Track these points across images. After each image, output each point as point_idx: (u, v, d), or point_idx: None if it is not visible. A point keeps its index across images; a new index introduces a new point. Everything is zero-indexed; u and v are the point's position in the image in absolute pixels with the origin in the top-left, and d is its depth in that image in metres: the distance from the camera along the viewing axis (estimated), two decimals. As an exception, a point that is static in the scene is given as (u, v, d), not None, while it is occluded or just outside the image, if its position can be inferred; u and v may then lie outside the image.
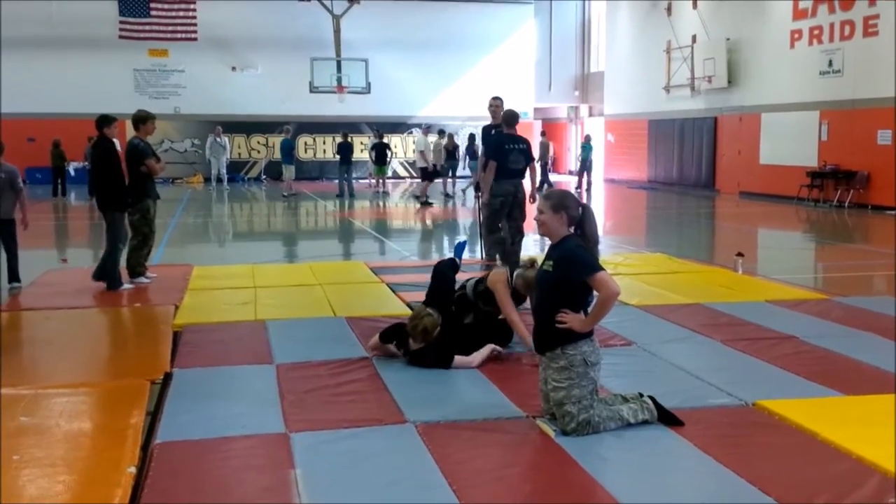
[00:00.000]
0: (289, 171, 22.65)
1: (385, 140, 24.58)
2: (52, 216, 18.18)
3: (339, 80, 26.86)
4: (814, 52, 19.78)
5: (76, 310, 7.56)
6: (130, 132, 9.14)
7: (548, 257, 4.44)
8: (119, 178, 8.45)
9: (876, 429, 4.37)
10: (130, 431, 4.37)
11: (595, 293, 4.27)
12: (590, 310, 4.31)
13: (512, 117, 9.26)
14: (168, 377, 5.40)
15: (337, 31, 27.10)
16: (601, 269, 4.25)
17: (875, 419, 4.54)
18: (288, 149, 22.84)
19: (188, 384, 5.23)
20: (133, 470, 3.87)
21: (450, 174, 23.77)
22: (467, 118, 28.99)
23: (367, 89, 26.95)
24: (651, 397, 4.53)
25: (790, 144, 20.63)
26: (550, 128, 32.32)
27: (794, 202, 19.87)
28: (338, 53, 27.08)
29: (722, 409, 4.73)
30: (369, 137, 26.45)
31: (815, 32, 19.76)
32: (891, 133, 17.67)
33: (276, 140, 25.47)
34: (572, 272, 4.26)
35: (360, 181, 27.89)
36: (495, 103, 9.90)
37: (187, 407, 4.76)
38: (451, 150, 23.66)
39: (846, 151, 18.86)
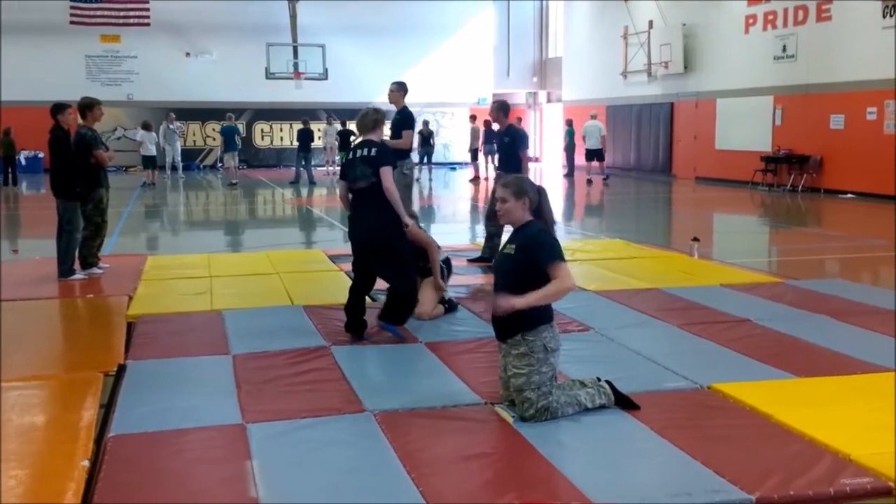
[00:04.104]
0: (232, 159, 22.39)
1: (349, 127, 24.48)
2: (2, 206, 17.81)
3: (295, 66, 26.58)
4: (768, 38, 20.00)
5: (28, 301, 7.41)
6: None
7: (510, 241, 4.43)
8: (70, 166, 8.29)
9: (828, 410, 4.45)
10: (84, 424, 4.30)
11: (551, 273, 4.25)
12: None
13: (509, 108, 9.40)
14: (122, 369, 5.33)
15: (293, 17, 26.82)
16: (564, 259, 4.26)
17: (827, 401, 4.62)
18: (230, 135, 22.50)
19: (142, 376, 5.16)
20: (86, 463, 3.82)
21: (425, 161, 23.84)
22: (426, 104, 28.90)
23: (325, 75, 26.72)
24: (608, 382, 4.57)
25: (745, 129, 20.88)
26: (518, 114, 32.32)
27: (748, 187, 20.12)
28: (294, 39, 26.80)
29: (678, 393, 4.78)
30: (328, 123, 26.23)
31: (770, 18, 19.98)
32: (843, 118, 17.94)
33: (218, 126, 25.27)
34: (536, 255, 4.25)
35: (318, 168, 27.71)
36: (391, 88, 9.85)
37: (142, 399, 4.70)
38: (427, 137, 23.68)
39: (800, 136, 19.12)
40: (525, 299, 4.15)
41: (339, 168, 25.80)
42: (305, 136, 22.56)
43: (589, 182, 22.45)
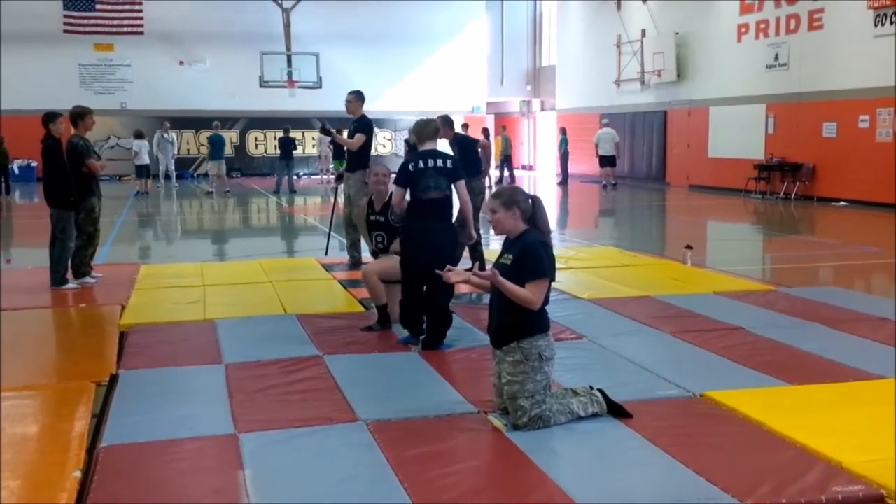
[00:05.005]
0: (219, 167, 22.34)
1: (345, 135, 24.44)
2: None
3: (289, 74, 26.58)
4: (760, 46, 20.08)
5: (20, 311, 7.38)
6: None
7: (506, 251, 4.43)
8: (63, 175, 8.29)
9: (820, 417, 4.45)
10: (75, 435, 4.29)
11: (528, 286, 4.25)
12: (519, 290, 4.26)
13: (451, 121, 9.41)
14: (114, 379, 5.31)
15: (287, 25, 26.85)
16: (546, 277, 4.27)
17: (819, 408, 4.63)
18: (218, 144, 22.45)
19: (135, 386, 5.14)
20: (78, 474, 3.80)
21: None
22: (420, 113, 28.83)
23: (319, 84, 26.73)
24: (600, 390, 4.57)
25: (738, 137, 20.93)
26: (503, 122, 32.38)
27: (741, 194, 20.16)
28: (288, 47, 26.82)
29: (670, 401, 4.78)
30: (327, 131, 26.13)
31: (762, 26, 20.06)
32: (835, 126, 18.00)
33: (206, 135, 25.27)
34: (524, 266, 4.27)
35: (313, 177, 27.72)
36: (348, 98, 9.97)
37: (134, 409, 4.69)
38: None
39: (792, 144, 19.18)
40: (505, 281, 4.20)
41: (332, 176, 25.78)
42: (287, 145, 22.52)
43: (605, 187, 22.91)
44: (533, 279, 4.24)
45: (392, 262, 6.50)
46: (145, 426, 4.40)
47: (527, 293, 4.22)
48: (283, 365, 5.53)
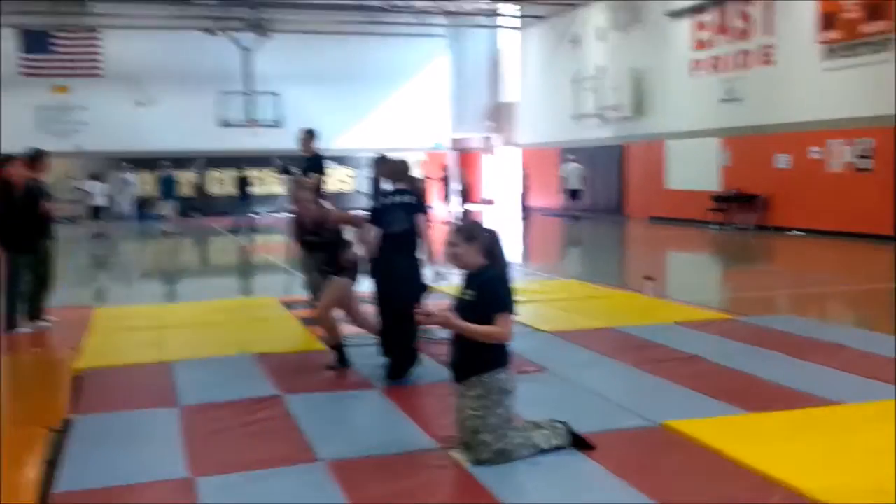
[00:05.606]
0: (171, 207, 22.36)
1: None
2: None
3: (249, 113, 26.58)
4: (714, 81, 20.45)
5: (-29, 357, 7.23)
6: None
7: (467, 286, 4.41)
8: (14, 218, 8.16)
9: (780, 445, 4.46)
10: (26, 481, 4.18)
11: (497, 320, 4.25)
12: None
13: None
14: (67, 424, 5.19)
15: (247, 65, 26.88)
16: (511, 311, 4.29)
17: (779, 436, 4.65)
18: (168, 185, 22.48)
19: (89, 430, 5.01)
20: (29, 523, 3.69)
21: None
22: (382, 150, 28.96)
23: (279, 123, 26.72)
24: (563, 422, 4.55)
25: (694, 170, 21.23)
26: (464, 158, 32.57)
27: (700, 226, 20.40)
28: (248, 87, 26.83)
29: (632, 432, 4.78)
30: (284, 171, 26.14)
31: (715, 62, 20.45)
32: (788, 157, 18.33)
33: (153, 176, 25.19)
34: (486, 301, 4.26)
35: (275, 215, 27.54)
36: (302, 137, 10.17)
37: (89, 454, 4.57)
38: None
39: (747, 176, 19.48)
40: (464, 323, 4.21)
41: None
42: (242, 184, 22.66)
43: (575, 218, 23.60)
44: (499, 312, 4.24)
45: (337, 287, 6.53)
46: (100, 471, 4.30)
47: (493, 329, 4.22)
48: (242, 406, 5.44)
